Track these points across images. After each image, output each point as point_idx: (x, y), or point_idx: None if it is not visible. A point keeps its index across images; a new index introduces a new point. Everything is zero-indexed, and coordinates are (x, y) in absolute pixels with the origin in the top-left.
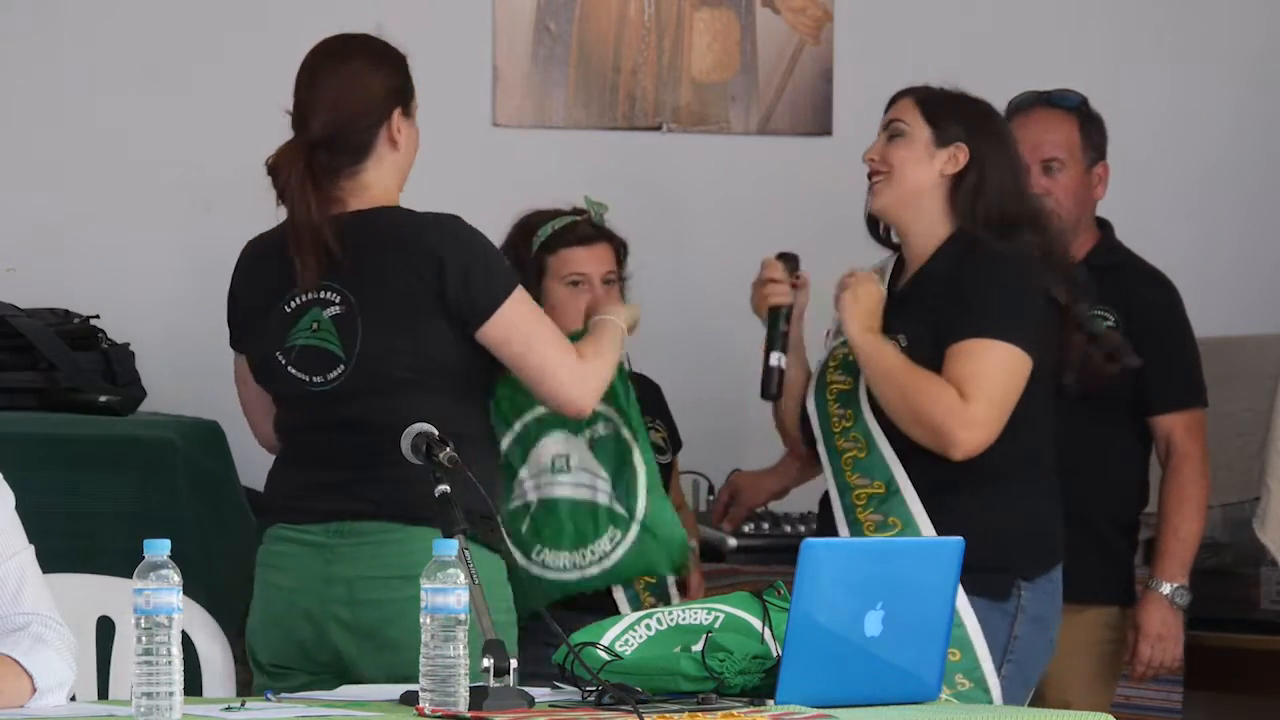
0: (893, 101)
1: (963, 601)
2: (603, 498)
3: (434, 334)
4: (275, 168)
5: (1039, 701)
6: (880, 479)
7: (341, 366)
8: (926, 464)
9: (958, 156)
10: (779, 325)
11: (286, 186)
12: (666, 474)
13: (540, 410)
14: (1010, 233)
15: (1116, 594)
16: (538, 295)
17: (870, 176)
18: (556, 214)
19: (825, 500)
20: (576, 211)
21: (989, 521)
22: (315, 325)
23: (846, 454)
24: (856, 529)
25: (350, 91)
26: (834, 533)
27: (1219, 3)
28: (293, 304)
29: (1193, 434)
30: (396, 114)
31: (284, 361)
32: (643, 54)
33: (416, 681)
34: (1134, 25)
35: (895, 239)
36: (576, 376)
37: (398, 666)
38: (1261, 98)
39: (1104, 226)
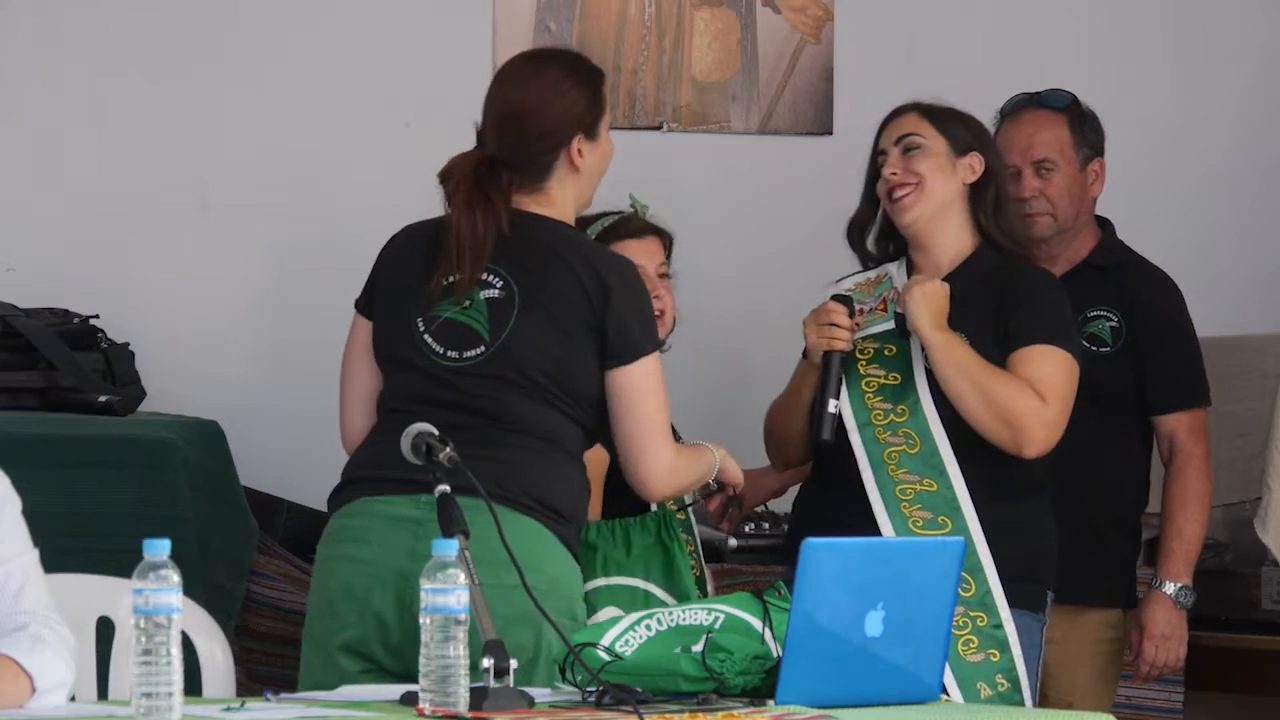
0: (890, 119)
1: (1003, 604)
2: None
3: (580, 351)
4: (445, 175)
5: (1042, 703)
6: (931, 477)
7: (483, 347)
8: (978, 471)
9: (974, 165)
10: (836, 370)
11: (452, 198)
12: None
13: (600, 583)
14: (1023, 247)
15: (1119, 596)
16: None
17: (893, 192)
18: (602, 215)
19: (805, 496)
20: (619, 212)
21: (1030, 534)
22: (468, 302)
23: (891, 449)
24: (901, 523)
25: (529, 115)
26: (845, 522)
27: (1219, 3)
28: (451, 278)
29: (1196, 434)
30: (577, 139)
31: (422, 328)
32: (643, 54)
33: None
34: (1134, 25)
35: (873, 250)
36: (668, 465)
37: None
38: (1262, 98)
39: (1105, 225)
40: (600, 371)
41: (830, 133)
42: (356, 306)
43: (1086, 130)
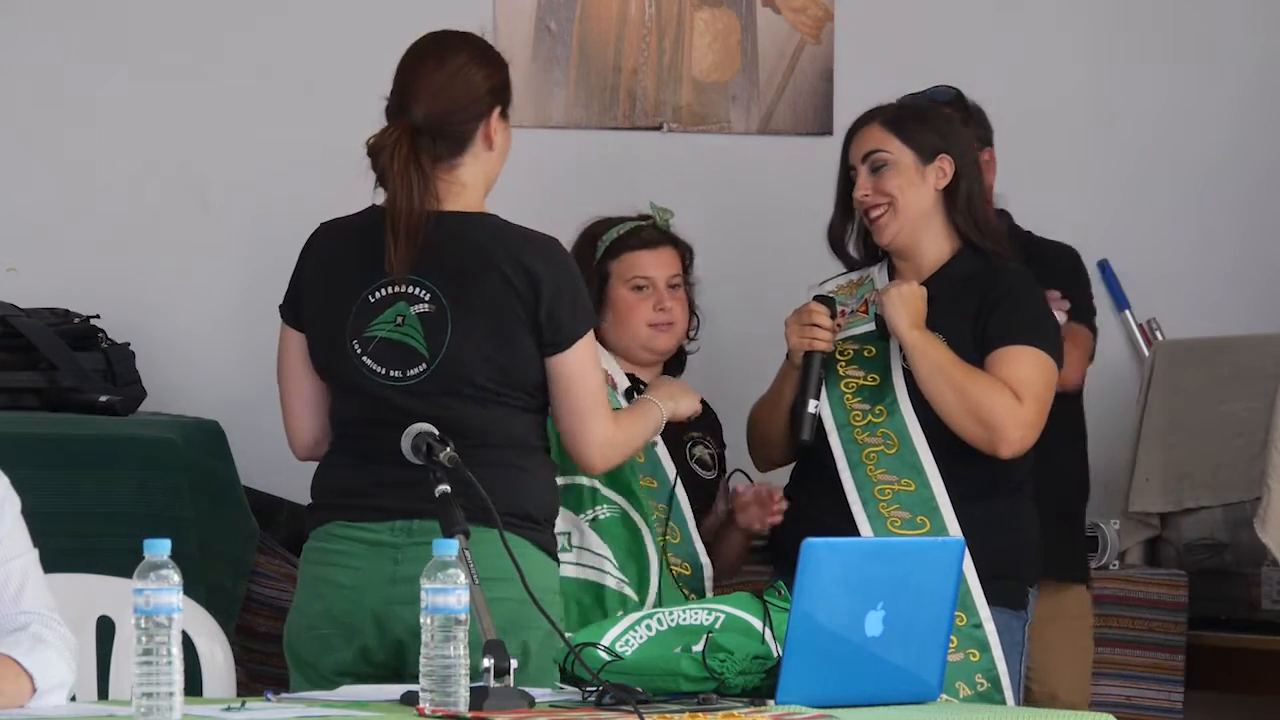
0: (855, 132)
1: (982, 603)
2: (610, 580)
3: (521, 348)
4: (376, 149)
5: (1025, 689)
6: (909, 477)
7: (424, 365)
8: (956, 469)
9: (944, 168)
10: (816, 370)
11: (388, 169)
12: (710, 490)
13: None
14: (1000, 243)
15: (1085, 571)
16: (602, 301)
17: (868, 213)
18: (621, 220)
19: (792, 494)
20: (641, 217)
21: (1010, 532)
22: (400, 319)
23: (870, 449)
24: (879, 523)
25: (454, 82)
26: (824, 522)
27: (1219, 3)
28: (377, 294)
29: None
30: (495, 113)
31: (359, 351)
32: (643, 54)
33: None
34: (1134, 25)
35: (855, 255)
36: (604, 439)
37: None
38: (1262, 98)
39: (1002, 215)
40: (541, 359)
41: (830, 133)
42: (282, 316)
43: (972, 123)
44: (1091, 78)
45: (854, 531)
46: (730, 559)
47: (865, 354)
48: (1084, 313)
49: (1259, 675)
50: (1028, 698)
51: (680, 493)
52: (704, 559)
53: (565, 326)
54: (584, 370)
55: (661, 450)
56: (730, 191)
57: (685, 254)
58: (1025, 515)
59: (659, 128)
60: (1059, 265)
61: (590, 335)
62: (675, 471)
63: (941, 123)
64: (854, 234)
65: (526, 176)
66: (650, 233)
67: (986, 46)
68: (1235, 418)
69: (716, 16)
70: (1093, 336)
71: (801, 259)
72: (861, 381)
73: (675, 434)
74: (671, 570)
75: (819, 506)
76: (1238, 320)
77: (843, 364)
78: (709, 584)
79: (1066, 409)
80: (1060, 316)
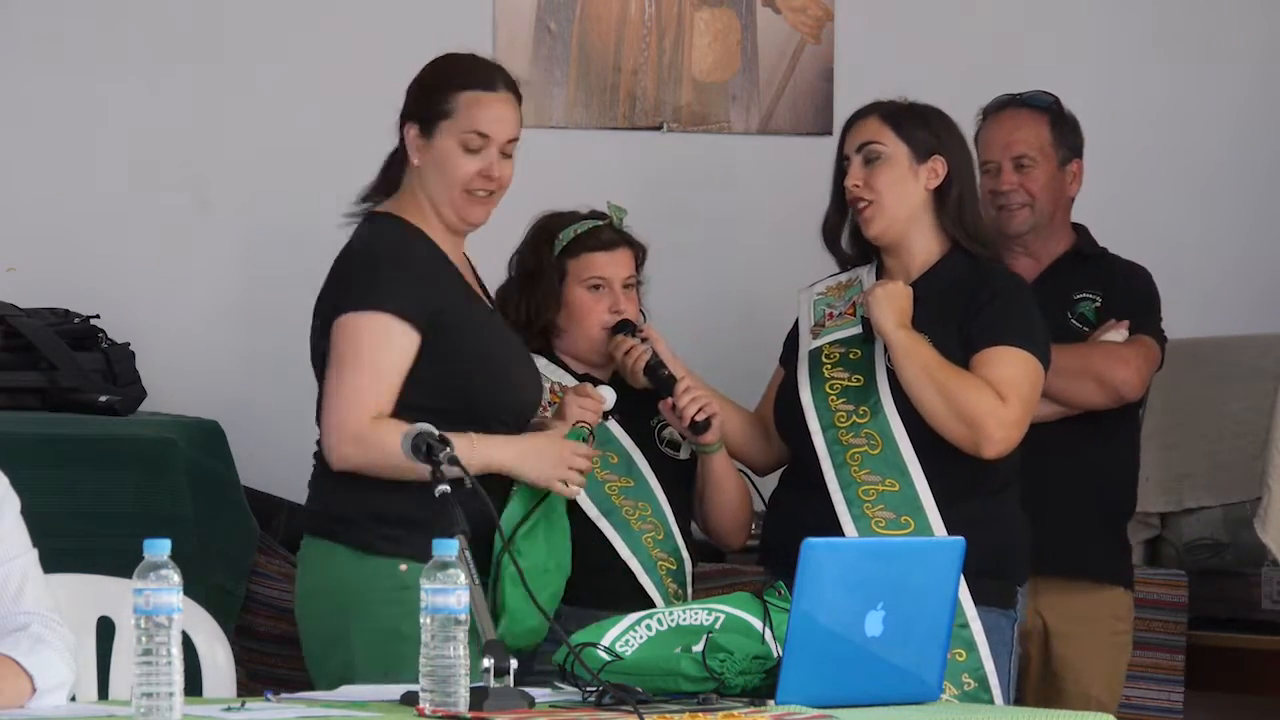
0: (853, 123)
1: (968, 602)
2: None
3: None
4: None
5: (1059, 689)
6: (893, 477)
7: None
8: (940, 469)
9: (937, 169)
10: (663, 372)
11: None
12: (687, 470)
13: None
14: (990, 248)
15: (1125, 575)
16: (559, 298)
17: (855, 203)
18: (574, 216)
19: (776, 498)
20: (596, 215)
21: (996, 530)
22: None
23: (854, 450)
24: (864, 524)
25: None
26: (808, 523)
27: (1219, 3)
28: None
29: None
30: (409, 126)
31: None
32: (643, 54)
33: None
34: (1134, 25)
35: (848, 250)
36: (345, 430)
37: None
38: (1263, 98)
39: (1080, 229)
40: None
41: (830, 133)
42: None
43: (1066, 131)
44: (1091, 78)
45: (838, 532)
46: (729, 506)
47: (851, 356)
48: (1154, 333)
49: (1259, 675)
50: (1060, 698)
51: (655, 485)
52: (685, 554)
53: (329, 300)
54: (337, 354)
55: (630, 445)
56: (730, 191)
57: (639, 253)
58: (1011, 515)
59: (659, 128)
60: (1131, 285)
61: (359, 320)
62: (648, 464)
63: (940, 124)
64: (848, 230)
65: (526, 176)
66: (608, 233)
67: (986, 46)
68: (1235, 418)
69: (716, 16)
70: (1160, 350)
71: (800, 259)
72: (846, 383)
73: (641, 423)
74: (660, 567)
75: (804, 507)
76: (1238, 320)
77: (828, 366)
78: (689, 579)
79: (1125, 415)
80: (1121, 334)
